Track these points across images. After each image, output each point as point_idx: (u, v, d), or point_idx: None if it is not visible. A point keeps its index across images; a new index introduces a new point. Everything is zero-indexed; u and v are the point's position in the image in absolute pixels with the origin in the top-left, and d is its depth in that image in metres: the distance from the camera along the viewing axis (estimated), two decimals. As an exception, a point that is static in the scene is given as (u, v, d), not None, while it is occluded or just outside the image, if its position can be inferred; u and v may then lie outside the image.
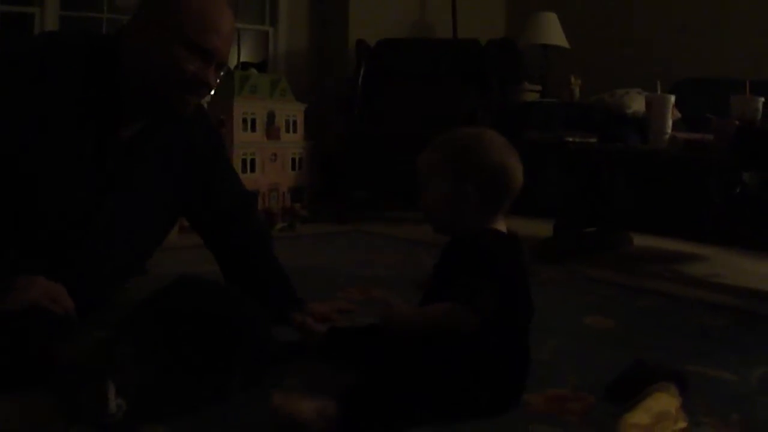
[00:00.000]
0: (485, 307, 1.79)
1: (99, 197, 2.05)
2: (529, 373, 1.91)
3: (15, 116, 1.91)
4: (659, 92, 3.78)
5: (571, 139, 4.03)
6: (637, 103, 4.66)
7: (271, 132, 5.20)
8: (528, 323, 1.93)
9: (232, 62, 6.00)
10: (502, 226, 1.96)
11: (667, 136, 3.61)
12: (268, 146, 5.16)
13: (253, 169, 5.06)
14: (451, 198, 1.90)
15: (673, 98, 3.67)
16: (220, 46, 2.03)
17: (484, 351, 1.80)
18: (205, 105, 4.63)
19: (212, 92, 2.19)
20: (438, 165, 1.93)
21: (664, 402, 1.76)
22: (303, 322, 2.34)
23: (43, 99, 1.93)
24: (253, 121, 5.10)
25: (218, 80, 2.13)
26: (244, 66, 5.99)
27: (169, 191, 2.24)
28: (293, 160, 5.35)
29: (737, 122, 3.31)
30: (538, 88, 6.02)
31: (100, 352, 1.69)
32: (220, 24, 2.02)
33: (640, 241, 4.48)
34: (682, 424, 1.71)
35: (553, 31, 6.01)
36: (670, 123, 3.65)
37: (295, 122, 5.38)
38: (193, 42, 1.98)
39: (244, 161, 4.99)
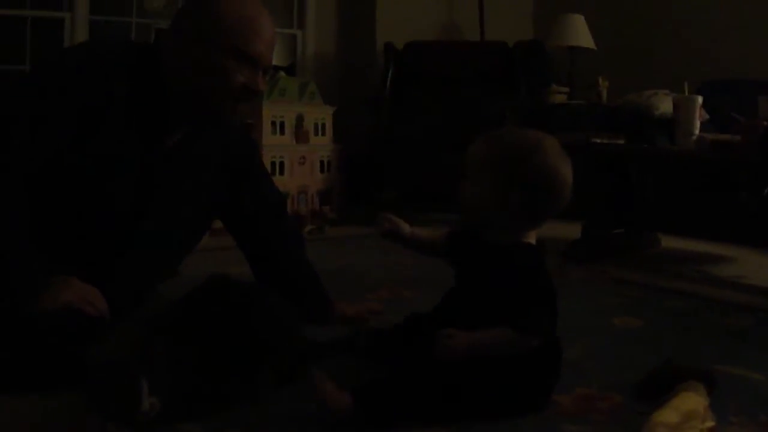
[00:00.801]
0: (547, 333, 1.82)
1: (142, 203, 2.09)
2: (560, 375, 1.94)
3: (62, 123, 1.95)
4: (687, 93, 3.78)
5: (599, 141, 4.04)
6: (664, 104, 4.63)
7: (300, 135, 5.23)
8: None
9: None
10: (533, 236, 1.94)
11: (695, 137, 3.61)
12: (296, 149, 5.19)
13: (282, 172, 5.09)
14: (492, 200, 1.86)
15: (700, 99, 3.66)
16: (265, 51, 2.07)
17: (532, 361, 1.82)
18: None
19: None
20: (488, 163, 1.87)
21: (693, 401, 1.76)
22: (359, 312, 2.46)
23: (90, 107, 1.96)
24: (282, 124, 5.13)
25: (266, 84, 2.16)
26: (272, 69, 6.01)
27: (206, 195, 2.28)
28: (322, 162, 5.37)
29: (765, 123, 3.30)
30: (566, 89, 6.01)
31: (133, 351, 1.71)
32: (263, 29, 2.06)
33: (667, 242, 4.48)
34: (710, 424, 1.72)
35: (580, 32, 6.00)
36: (697, 124, 3.64)
37: (323, 125, 5.40)
38: (241, 51, 2.01)
39: (273, 164, 5.02)
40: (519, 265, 1.85)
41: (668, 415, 1.69)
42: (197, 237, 2.42)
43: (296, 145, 5.19)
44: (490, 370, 1.78)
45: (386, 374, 1.83)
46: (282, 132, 5.13)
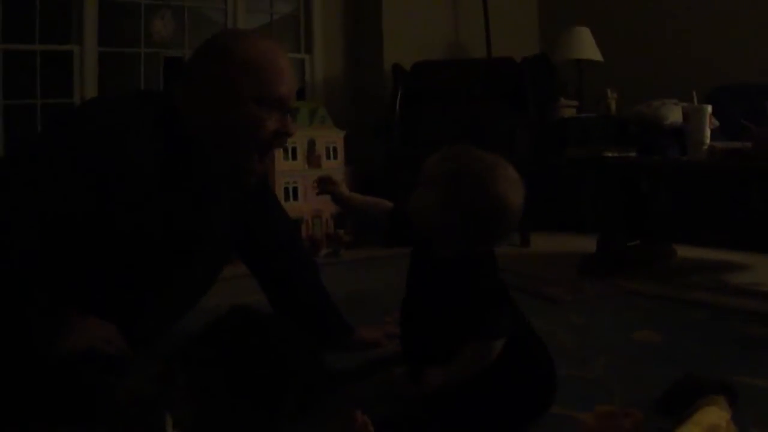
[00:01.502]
0: (505, 330, 1.84)
1: (169, 256, 2.09)
2: (555, 377, 1.97)
3: (83, 190, 1.90)
4: (696, 102, 3.78)
5: (610, 154, 4.04)
6: (673, 114, 4.64)
7: (312, 159, 5.25)
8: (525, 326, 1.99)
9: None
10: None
11: (706, 147, 3.61)
12: (309, 174, 5.20)
13: (296, 197, 5.11)
14: (433, 217, 1.86)
15: (710, 108, 3.67)
16: (289, 92, 2.05)
17: (510, 365, 1.85)
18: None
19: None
20: (438, 179, 1.86)
21: (714, 415, 1.76)
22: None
23: (114, 174, 1.92)
24: (294, 150, 5.15)
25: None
26: (282, 95, 6.03)
27: (227, 233, 2.27)
28: (334, 185, 5.38)
29: (776, 129, 3.31)
30: (575, 103, 6.02)
31: (156, 385, 1.72)
32: (285, 69, 2.04)
33: (683, 252, 4.47)
34: (733, 437, 1.73)
35: (586, 45, 6.01)
36: (708, 133, 3.65)
37: (335, 148, 5.42)
38: (268, 98, 1.99)
39: (286, 189, 5.05)
40: (461, 279, 1.86)
41: (690, 430, 1.70)
42: (220, 271, 2.43)
43: (309, 170, 5.21)
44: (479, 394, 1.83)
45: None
46: (294, 157, 5.15)
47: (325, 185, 2.21)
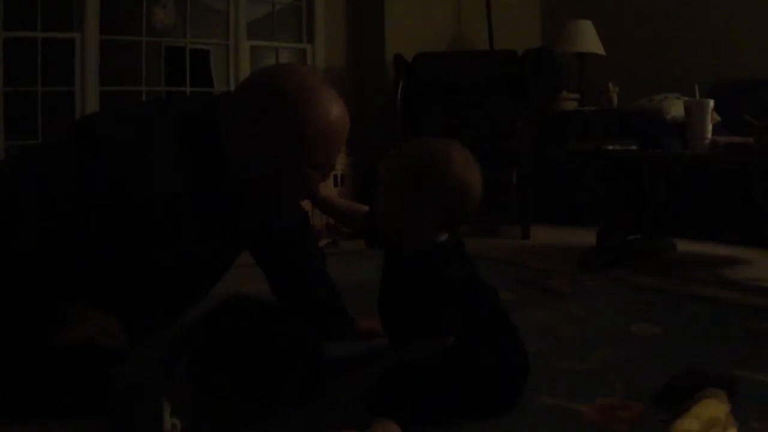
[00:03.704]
0: (451, 332, 1.85)
1: (198, 273, 2.09)
2: (527, 366, 1.98)
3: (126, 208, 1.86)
4: (697, 96, 3.78)
5: (611, 147, 4.04)
6: (675, 108, 4.64)
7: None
8: (498, 313, 2.00)
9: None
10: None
11: (708, 141, 3.60)
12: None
13: (296, 187, 5.09)
14: (405, 214, 1.88)
15: (712, 103, 3.66)
16: (339, 154, 2.06)
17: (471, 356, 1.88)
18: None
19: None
20: (399, 180, 1.88)
21: (714, 408, 1.76)
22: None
23: (151, 204, 1.88)
24: (295, 140, 5.12)
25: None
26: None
27: (242, 224, 2.26)
28: (335, 176, 5.39)
29: (778, 124, 3.30)
30: (576, 96, 6.02)
31: (154, 372, 1.72)
32: (343, 135, 2.00)
33: (683, 246, 4.47)
34: (733, 430, 1.72)
35: (588, 38, 6.00)
36: (710, 128, 3.64)
37: (336, 139, 5.41)
38: (325, 165, 2.00)
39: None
40: (424, 272, 1.87)
41: (690, 423, 1.69)
42: (232, 264, 2.42)
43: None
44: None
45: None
46: (295, 147, 5.12)
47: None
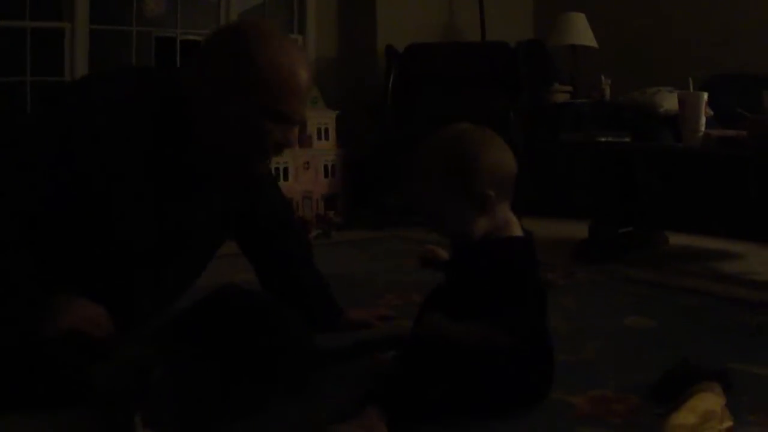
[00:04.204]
0: (521, 333, 1.82)
1: (160, 239, 2.05)
2: (554, 367, 1.95)
3: (82, 160, 1.88)
4: (691, 90, 3.76)
5: (604, 139, 4.02)
6: (668, 101, 4.62)
7: (304, 140, 5.22)
8: (544, 316, 1.96)
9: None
10: (516, 226, 1.93)
11: (701, 134, 3.59)
12: (300, 154, 5.18)
13: (286, 178, 5.09)
14: (464, 203, 1.84)
15: (705, 95, 3.64)
16: (301, 106, 1.98)
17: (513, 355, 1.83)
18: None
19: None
20: (442, 171, 1.85)
21: (709, 401, 1.75)
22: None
23: (111, 159, 1.90)
24: (285, 130, 5.10)
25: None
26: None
27: (222, 217, 2.24)
28: (326, 167, 5.38)
29: (771, 118, 3.29)
30: (569, 88, 6.00)
31: (132, 377, 1.69)
32: (301, 84, 1.94)
33: (675, 239, 4.46)
34: (728, 423, 1.71)
35: (581, 31, 5.99)
36: (703, 121, 3.63)
37: (327, 130, 5.40)
38: (279, 112, 1.92)
39: (277, 170, 5.02)
40: (496, 263, 1.85)
41: (686, 416, 1.68)
42: (214, 252, 2.39)
43: (300, 151, 5.19)
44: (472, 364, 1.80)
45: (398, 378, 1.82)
46: (285, 137, 5.11)
47: (427, 260, 2.17)
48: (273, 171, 4.80)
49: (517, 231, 1.92)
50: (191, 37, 5.84)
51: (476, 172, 1.82)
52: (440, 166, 1.85)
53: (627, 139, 4.05)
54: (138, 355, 1.76)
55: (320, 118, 5.37)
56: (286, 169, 5.09)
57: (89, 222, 1.93)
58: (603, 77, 5.72)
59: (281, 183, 4.94)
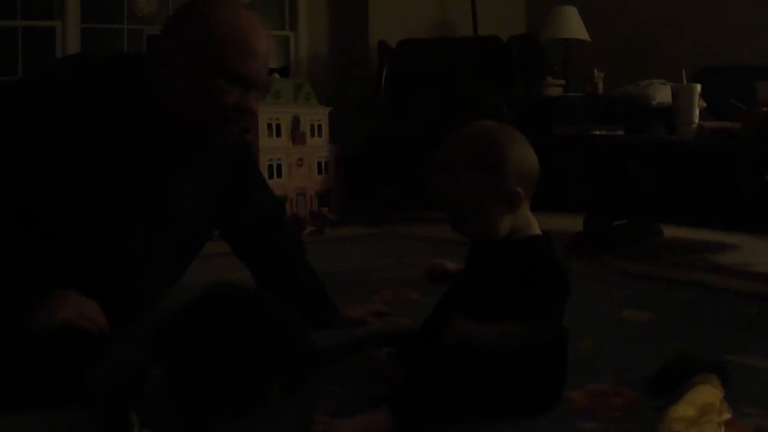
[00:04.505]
0: (554, 328, 1.80)
1: (131, 217, 2.05)
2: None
3: (44, 145, 1.90)
4: (684, 82, 3.76)
5: (597, 133, 4.02)
6: (661, 93, 4.63)
7: (297, 137, 5.21)
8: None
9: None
10: (536, 225, 1.89)
11: (695, 126, 3.59)
12: (293, 151, 5.17)
13: (279, 175, 5.07)
14: (492, 200, 1.80)
15: (699, 87, 3.65)
16: (258, 69, 1.99)
17: (538, 358, 1.80)
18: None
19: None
20: (473, 167, 1.79)
21: (708, 394, 1.74)
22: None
23: (75, 122, 1.92)
24: (278, 127, 5.11)
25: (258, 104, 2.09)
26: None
27: (203, 207, 2.24)
28: (319, 164, 5.36)
29: (765, 109, 3.28)
30: (562, 82, 6.00)
31: (128, 377, 1.68)
32: (257, 47, 1.97)
33: (670, 232, 4.46)
34: (727, 416, 1.70)
35: (573, 24, 6.00)
36: (696, 113, 3.63)
37: (320, 126, 5.39)
38: (232, 71, 1.94)
39: (270, 167, 5.00)
40: (533, 259, 1.82)
41: (684, 409, 1.67)
42: (198, 247, 2.40)
43: (293, 147, 5.17)
44: (498, 367, 1.75)
45: (410, 381, 1.80)
46: (278, 134, 5.11)
47: (437, 275, 2.14)
48: (266, 168, 4.81)
49: (537, 230, 1.89)
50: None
51: (507, 169, 1.79)
52: (470, 162, 1.79)
53: (620, 132, 4.05)
54: (133, 354, 1.75)
55: (313, 115, 5.35)
56: (279, 166, 5.07)
57: (61, 203, 1.95)
58: (596, 70, 5.71)
59: (274, 180, 4.93)
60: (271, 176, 4.95)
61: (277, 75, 5.51)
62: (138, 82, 2.01)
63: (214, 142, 2.10)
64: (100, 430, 1.65)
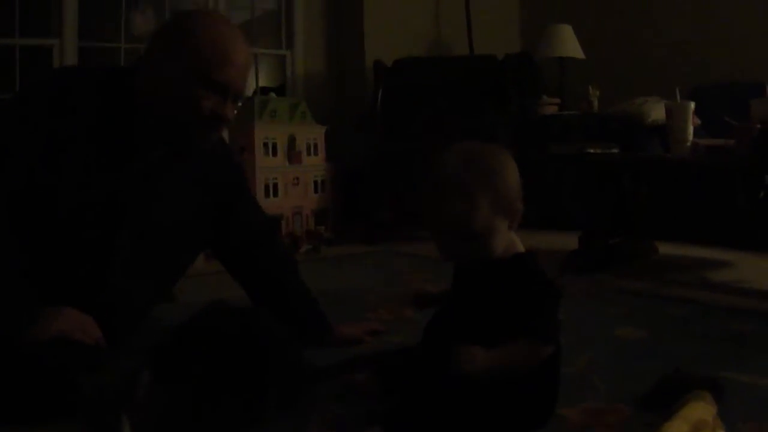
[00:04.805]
0: (554, 341, 1.80)
1: (116, 224, 2.07)
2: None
3: (31, 148, 1.95)
4: (678, 99, 3.78)
5: (592, 151, 4.03)
6: (656, 111, 4.65)
7: (293, 156, 5.22)
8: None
9: (251, 87, 6.03)
10: (519, 242, 1.90)
11: (689, 144, 3.60)
12: (290, 170, 5.18)
13: (276, 194, 5.08)
14: (501, 218, 1.81)
15: (693, 105, 3.66)
16: (235, 78, 2.04)
17: (532, 375, 1.79)
18: (225, 132, 4.66)
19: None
20: (487, 186, 1.78)
21: (701, 411, 1.74)
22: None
23: (57, 130, 1.97)
24: (275, 146, 5.12)
25: (235, 112, 2.14)
26: (263, 91, 6.01)
27: (190, 220, 2.27)
28: (315, 182, 5.37)
29: (758, 126, 3.29)
30: (557, 100, 6.02)
31: (120, 385, 1.68)
32: (234, 56, 2.03)
33: (665, 249, 4.46)
34: (720, 432, 1.71)
35: (568, 43, 6.02)
36: (691, 130, 3.64)
37: (316, 145, 5.40)
38: (209, 78, 1.99)
39: (266, 186, 5.01)
40: (526, 275, 1.84)
41: (678, 426, 1.67)
42: (184, 264, 2.41)
43: (289, 166, 5.18)
44: (492, 386, 1.75)
45: (404, 403, 1.80)
46: (275, 153, 5.12)
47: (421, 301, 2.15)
48: (262, 187, 4.81)
49: (521, 247, 1.90)
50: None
51: (514, 187, 1.82)
52: (485, 182, 1.78)
53: (615, 150, 4.06)
54: (127, 365, 1.76)
55: (309, 134, 5.36)
56: (275, 185, 5.08)
57: (43, 211, 1.99)
58: (590, 88, 5.73)
59: (270, 199, 4.94)
60: (267, 195, 4.96)
61: (273, 94, 5.53)
62: (123, 92, 2.07)
63: (191, 148, 2.15)
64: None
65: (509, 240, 1.87)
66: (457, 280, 1.99)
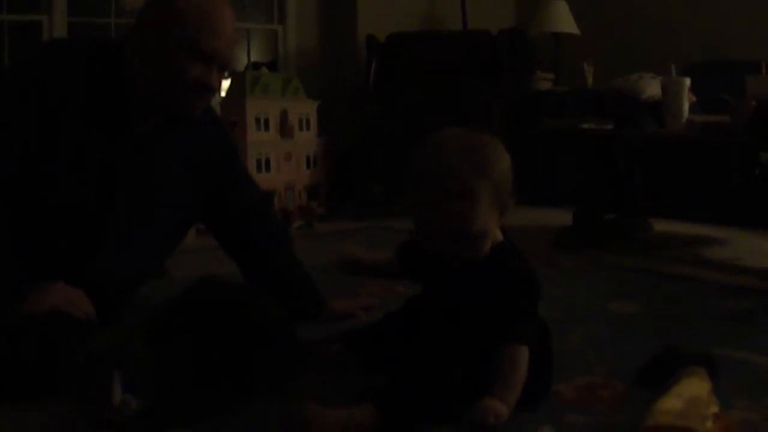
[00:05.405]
0: (531, 339, 1.78)
1: (108, 196, 2.07)
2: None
3: (23, 123, 1.96)
4: (674, 76, 3.76)
5: (587, 127, 4.01)
6: (651, 87, 4.61)
7: (285, 131, 5.19)
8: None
9: (243, 62, 6.00)
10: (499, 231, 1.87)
11: (684, 120, 3.59)
12: (282, 145, 5.15)
13: (268, 169, 5.05)
14: (493, 213, 1.78)
15: (688, 81, 3.64)
16: (220, 47, 2.05)
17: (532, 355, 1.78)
18: (217, 107, 4.64)
19: (220, 94, 2.22)
20: (477, 176, 1.74)
21: (695, 387, 1.74)
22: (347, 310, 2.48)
23: (48, 104, 1.98)
24: (266, 121, 5.08)
25: (221, 82, 2.14)
26: (255, 66, 5.98)
27: (182, 194, 2.27)
28: (308, 158, 5.34)
29: (754, 103, 3.28)
30: (551, 76, 5.99)
31: (111, 346, 1.67)
32: (219, 25, 2.05)
33: (659, 226, 4.46)
34: (714, 409, 1.70)
35: (563, 18, 5.98)
36: (686, 107, 3.62)
37: (308, 120, 5.37)
38: (193, 46, 2.01)
39: (258, 161, 4.98)
40: (507, 270, 1.82)
41: (672, 402, 1.67)
42: (176, 237, 2.41)
43: (281, 141, 5.15)
44: (486, 366, 1.74)
45: (398, 381, 1.77)
46: (266, 128, 5.08)
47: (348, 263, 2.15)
48: (254, 162, 4.79)
49: (499, 234, 1.87)
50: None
51: (509, 180, 1.80)
52: (483, 175, 1.75)
53: (610, 126, 4.05)
54: (117, 336, 1.74)
55: (301, 109, 5.33)
56: (268, 161, 5.05)
57: (36, 181, 2.00)
58: (585, 64, 5.70)
59: (263, 174, 4.91)
60: (259, 171, 4.92)
61: (265, 69, 5.49)
62: (113, 64, 2.08)
63: (179, 117, 2.16)
64: (76, 405, 1.64)
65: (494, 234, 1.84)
66: (440, 276, 1.94)
